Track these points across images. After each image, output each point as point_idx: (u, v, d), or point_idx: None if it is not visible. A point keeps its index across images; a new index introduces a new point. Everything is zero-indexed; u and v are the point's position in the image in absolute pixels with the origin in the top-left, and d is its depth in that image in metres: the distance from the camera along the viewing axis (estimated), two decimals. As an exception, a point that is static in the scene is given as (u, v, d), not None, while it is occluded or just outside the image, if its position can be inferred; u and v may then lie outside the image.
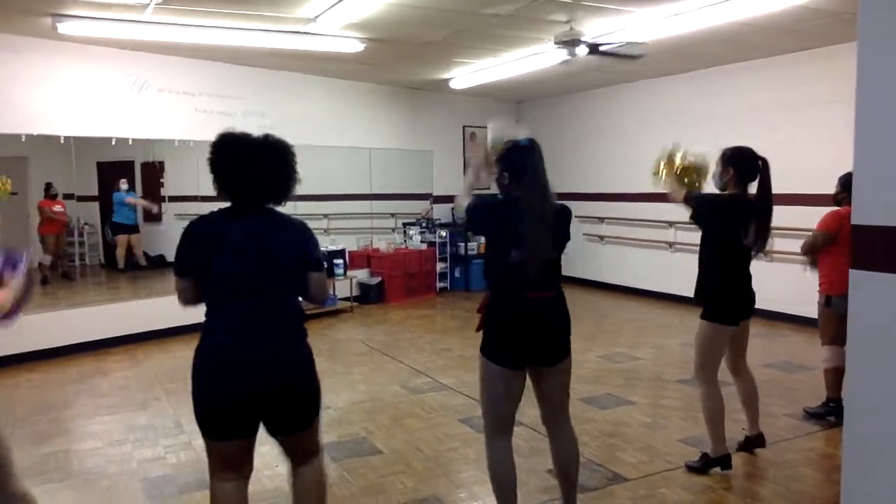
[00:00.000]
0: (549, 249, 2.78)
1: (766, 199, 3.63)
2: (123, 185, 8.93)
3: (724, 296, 3.66)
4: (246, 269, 2.40)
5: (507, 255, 2.75)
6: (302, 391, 2.50)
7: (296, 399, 2.49)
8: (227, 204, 2.51)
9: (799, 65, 7.44)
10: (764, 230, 3.63)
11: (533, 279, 2.74)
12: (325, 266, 2.69)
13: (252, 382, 2.37)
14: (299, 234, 2.53)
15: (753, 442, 4.00)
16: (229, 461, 2.49)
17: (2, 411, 5.06)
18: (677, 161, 3.82)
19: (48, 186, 8.25)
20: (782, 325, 7.38)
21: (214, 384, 2.40)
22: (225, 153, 2.45)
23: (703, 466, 3.78)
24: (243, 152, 2.44)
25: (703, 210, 3.69)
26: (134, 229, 9.17)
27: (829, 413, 4.55)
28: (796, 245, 7.27)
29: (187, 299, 2.53)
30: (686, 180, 3.78)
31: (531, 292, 2.78)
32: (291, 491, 2.68)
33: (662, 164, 3.90)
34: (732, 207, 3.63)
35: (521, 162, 2.83)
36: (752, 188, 3.69)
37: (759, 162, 3.63)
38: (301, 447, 2.61)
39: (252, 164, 2.42)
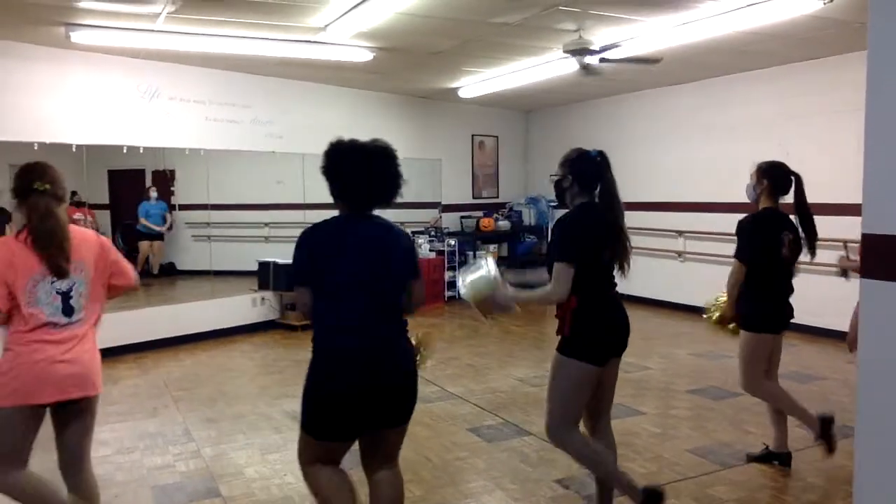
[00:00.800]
0: (628, 250, 3.04)
1: (804, 211, 3.72)
2: (153, 192, 9.01)
3: (760, 307, 3.77)
4: (367, 273, 2.50)
5: (600, 258, 2.95)
6: (408, 383, 2.60)
7: (404, 390, 2.58)
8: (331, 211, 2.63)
9: (808, 74, 7.42)
10: (803, 239, 3.73)
11: (623, 275, 3.05)
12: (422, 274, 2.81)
13: (374, 380, 2.46)
14: (408, 242, 2.70)
15: (778, 457, 3.99)
16: (330, 458, 2.60)
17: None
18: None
19: (73, 194, 8.29)
20: (791, 335, 7.29)
21: (340, 387, 2.46)
22: (341, 159, 2.56)
23: (763, 457, 3.99)
24: (359, 157, 2.55)
25: (744, 244, 3.78)
26: (158, 236, 9.24)
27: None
28: (804, 256, 7.28)
29: (308, 308, 2.58)
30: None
31: (613, 289, 3.06)
32: (369, 500, 2.70)
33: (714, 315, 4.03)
34: (765, 222, 3.75)
35: (593, 172, 3.04)
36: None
37: (793, 177, 3.74)
38: (393, 447, 2.68)
39: (368, 170, 2.54)
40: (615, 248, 2.98)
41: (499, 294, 2.97)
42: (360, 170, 2.53)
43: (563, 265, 2.90)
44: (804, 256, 3.78)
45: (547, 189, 10.36)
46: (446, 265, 10.04)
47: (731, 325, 3.91)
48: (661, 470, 3.98)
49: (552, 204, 10.59)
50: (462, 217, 10.81)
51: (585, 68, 6.29)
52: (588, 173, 3.05)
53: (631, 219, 9.76)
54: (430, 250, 9.99)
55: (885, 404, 2.11)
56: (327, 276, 2.51)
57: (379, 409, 2.51)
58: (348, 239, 2.53)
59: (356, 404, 2.46)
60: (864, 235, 2.14)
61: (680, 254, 8.76)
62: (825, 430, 3.84)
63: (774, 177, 3.76)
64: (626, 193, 3.08)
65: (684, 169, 8.79)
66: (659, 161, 9.14)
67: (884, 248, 2.08)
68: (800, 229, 3.72)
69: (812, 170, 7.62)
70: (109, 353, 6.81)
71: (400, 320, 2.63)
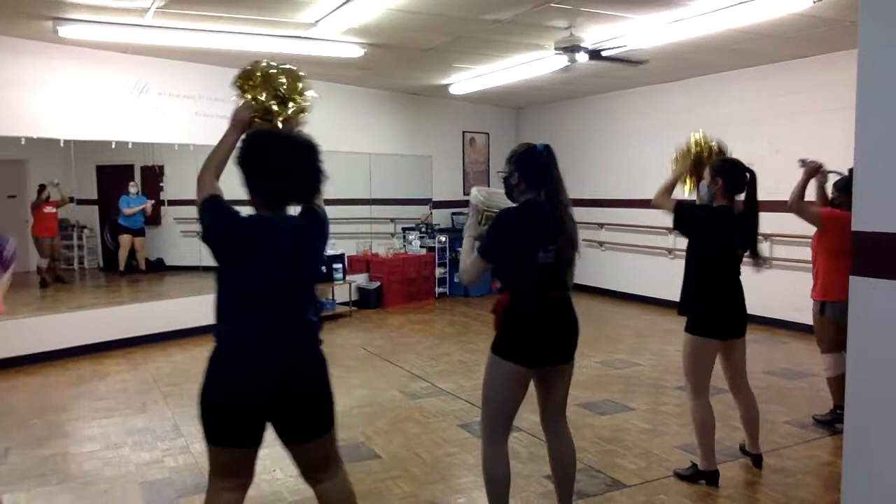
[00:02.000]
0: (570, 252, 2.92)
1: (753, 211, 3.62)
2: (133, 187, 8.93)
3: (704, 308, 3.63)
4: (275, 274, 2.34)
5: (534, 258, 2.84)
6: (318, 396, 2.46)
7: (311, 404, 2.43)
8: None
9: (798, 72, 7.46)
10: (752, 241, 3.62)
11: (559, 279, 2.90)
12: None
13: (270, 387, 2.31)
14: (324, 242, 2.54)
15: (750, 455, 3.96)
16: (232, 469, 2.42)
17: (0, 413, 5.06)
18: (701, 143, 3.93)
19: (41, 188, 8.24)
20: (781, 332, 7.37)
21: (232, 389, 2.31)
22: (257, 151, 2.41)
23: (691, 476, 3.76)
24: (275, 150, 2.41)
25: (682, 217, 3.70)
26: (139, 232, 9.17)
27: (837, 420, 4.45)
28: (793, 252, 7.32)
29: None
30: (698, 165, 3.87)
31: (555, 291, 2.91)
32: None
33: (683, 152, 3.97)
34: (715, 218, 3.62)
35: (536, 166, 2.93)
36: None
37: (747, 174, 3.62)
38: (317, 456, 2.51)
39: (287, 164, 2.39)
40: (559, 247, 2.85)
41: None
42: (277, 163, 2.37)
43: (478, 257, 2.90)
44: (757, 266, 3.68)
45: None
46: (437, 261, 10.03)
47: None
48: (650, 466, 3.99)
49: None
50: (453, 213, 10.81)
51: (570, 64, 6.28)
52: (534, 169, 2.92)
53: (621, 216, 9.80)
54: (421, 247, 9.99)
55: (874, 401, 2.12)
56: (230, 272, 2.35)
57: (272, 419, 2.36)
58: (260, 238, 2.34)
59: (240, 413, 2.31)
60: (855, 233, 2.15)
61: (670, 251, 8.78)
62: (700, 477, 3.74)
63: (729, 175, 3.62)
64: (616, 190, 3.07)
65: (675, 166, 8.82)
66: (649, 158, 9.14)
67: (874, 245, 2.09)
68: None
69: (801, 168, 7.67)
70: (98, 349, 6.80)
71: (311, 326, 2.45)
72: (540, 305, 2.87)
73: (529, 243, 2.85)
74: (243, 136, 2.47)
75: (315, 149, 2.47)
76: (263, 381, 2.30)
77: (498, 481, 2.97)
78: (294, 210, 2.51)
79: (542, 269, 2.86)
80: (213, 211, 2.39)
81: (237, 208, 2.41)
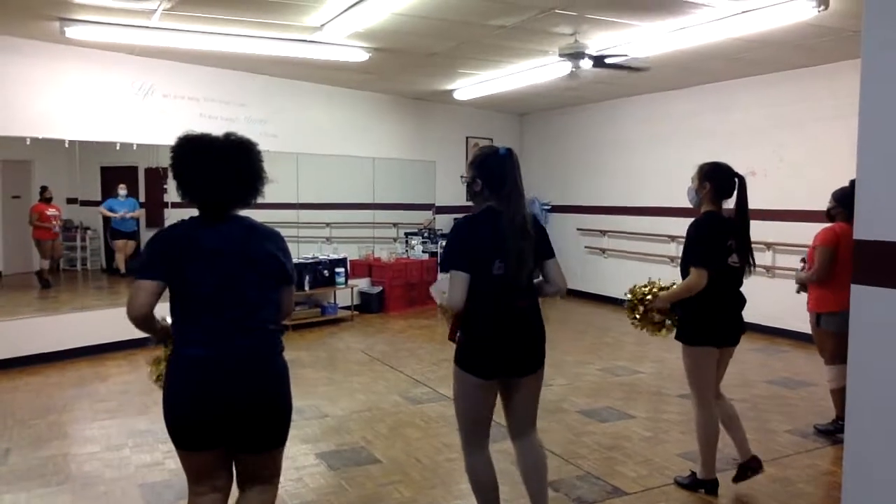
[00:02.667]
0: (531, 260, 2.83)
1: (743, 216, 3.54)
2: (122, 190, 8.87)
3: (699, 318, 3.54)
4: (224, 281, 2.30)
5: (490, 267, 2.76)
6: (273, 408, 2.39)
7: (266, 415, 2.38)
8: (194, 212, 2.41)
9: (802, 81, 7.46)
10: (745, 248, 3.55)
11: (522, 288, 2.80)
12: (296, 280, 2.60)
13: (225, 395, 2.29)
14: (276, 245, 2.43)
15: (749, 468, 3.76)
16: (200, 473, 2.43)
17: (0, 414, 5.06)
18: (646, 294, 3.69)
19: (42, 190, 8.25)
20: (781, 341, 7.36)
21: (187, 395, 2.32)
22: (186, 155, 2.34)
23: (690, 484, 3.74)
24: (205, 154, 2.32)
25: (698, 249, 3.53)
26: (132, 235, 9.15)
27: (839, 430, 4.43)
28: (796, 261, 7.30)
29: (140, 307, 2.31)
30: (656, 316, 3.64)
31: (518, 300, 2.82)
32: None
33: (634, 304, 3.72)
34: (708, 226, 3.53)
35: (498, 171, 2.84)
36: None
37: (736, 178, 3.54)
38: (260, 470, 2.49)
39: (215, 166, 2.30)
40: (517, 256, 2.75)
41: (432, 287, 2.98)
42: (208, 168, 2.29)
43: (453, 272, 2.77)
44: (746, 273, 3.59)
45: (541, 191, 10.38)
46: (439, 267, 10.02)
47: (666, 323, 3.61)
48: (651, 473, 3.98)
49: (546, 206, 10.60)
50: (456, 219, 10.77)
51: (574, 70, 6.29)
52: (494, 173, 2.83)
53: (625, 223, 9.79)
54: (424, 252, 9.99)
55: (875, 409, 2.12)
56: (177, 282, 2.30)
57: (229, 426, 2.33)
58: (202, 245, 2.30)
59: (198, 419, 2.31)
60: (856, 241, 2.15)
61: (672, 259, 8.78)
62: (700, 485, 3.71)
63: (717, 179, 3.52)
64: (619, 197, 3.04)
65: (679, 174, 8.77)
66: (653, 166, 9.16)
67: (876, 253, 2.09)
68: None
69: (806, 176, 7.69)
70: (99, 350, 6.81)
71: (270, 333, 2.41)
72: (496, 316, 2.78)
73: (485, 252, 2.76)
74: (173, 142, 2.37)
75: (249, 149, 2.38)
76: (214, 382, 2.30)
77: (484, 488, 2.96)
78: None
79: (499, 278, 2.76)
80: (146, 257, 2.39)
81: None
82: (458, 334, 2.85)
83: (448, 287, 2.79)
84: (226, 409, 2.31)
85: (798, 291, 4.75)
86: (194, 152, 2.34)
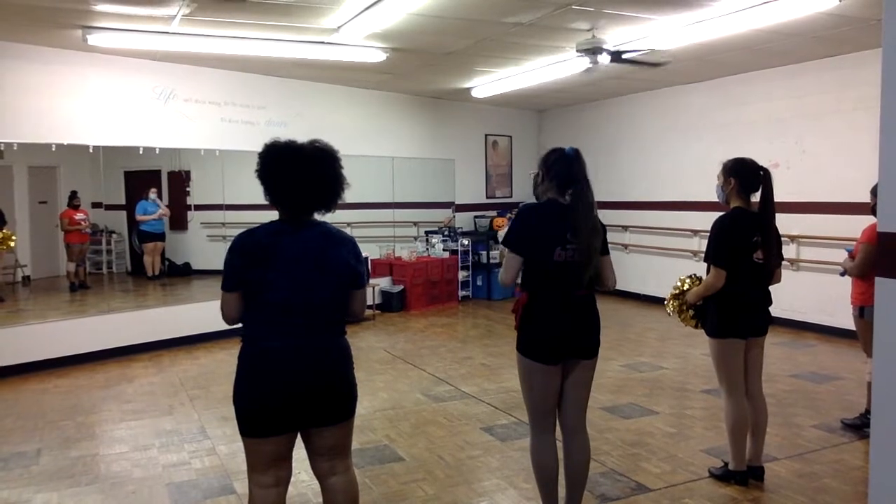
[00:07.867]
0: (598, 257, 2.96)
1: (768, 210, 3.53)
2: (152, 193, 9.01)
3: (723, 311, 3.58)
4: (299, 286, 2.42)
5: (551, 255, 2.89)
6: (344, 381, 2.57)
7: (338, 388, 2.54)
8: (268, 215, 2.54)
9: (824, 72, 7.36)
10: (769, 242, 3.53)
11: (582, 279, 2.92)
12: (367, 281, 2.75)
13: (300, 377, 2.42)
14: (350, 250, 2.56)
15: (752, 472, 3.75)
16: (269, 461, 2.52)
17: (31, 415, 5.15)
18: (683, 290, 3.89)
19: (72, 196, 8.38)
20: (808, 335, 7.28)
21: (264, 382, 2.41)
22: (274, 162, 2.46)
23: (722, 475, 3.76)
24: (292, 160, 2.44)
25: (715, 247, 3.60)
26: (161, 236, 9.28)
27: (866, 424, 4.40)
28: (821, 254, 7.24)
29: (232, 314, 2.52)
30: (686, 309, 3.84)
31: (578, 290, 2.95)
32: None
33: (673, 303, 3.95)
34: (735, 222, 3.55)
35: (567, 170, 2.98)
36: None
37: (761, 172, 3.54)
38: (340, 440, 2.62)
39: (302, 172, 2.43)
40: (579, 246, 2.88)
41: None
42: (296, 174, 2.42)
43: (507, 252, 2.97)
44: (772, 264, 3.59)
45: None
46: (460, 265, 10.04)
47: (691, 313, 3.78)
48: (675, 469, 3.97)
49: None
50: (475, 217, 10.82)
51: (592, 66, 6.26)
52: (560, 170, 3.00)
53: (645, 218, 9.77)
54: (444, 250, 10.00)
55: (901, 403, 2.09)
56: (256, 286, 2.42)
57: (304, 408, 2.46)
58: (282, 250, 2.42)
59: (276, 405, 2.42)
60: (880, 234, 2.13)
61: (695, 253, 8.71)
62: (731, 476, 3.72)
63: (741, 174, 3.56)
64: (640, 192, 3.07)
65: (700, 168, 8.75)
66: (674, 160, 9.10)
67: (899, 246, 2.06)
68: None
69: (828, 168, 7.60)
70: (125, 352, 6.91)
71: (335, 332, 2.55)
72: (557, 303, 2.93)
73: (548, 239, 2.90)
74: (261, 149, 2.51)
75: (332, 156, 2.51)
76: (289, 368, 2.42)
77: (543, 470, 3.07)
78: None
79: (560, 266, 2.90)
80: (230, 262, 2.50)
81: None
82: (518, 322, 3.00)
83: (503, 265, 2.99)
84: (305, 388, 2.43)
85: (842, 275, 4.71)
86: (282, 159, 2.46)
